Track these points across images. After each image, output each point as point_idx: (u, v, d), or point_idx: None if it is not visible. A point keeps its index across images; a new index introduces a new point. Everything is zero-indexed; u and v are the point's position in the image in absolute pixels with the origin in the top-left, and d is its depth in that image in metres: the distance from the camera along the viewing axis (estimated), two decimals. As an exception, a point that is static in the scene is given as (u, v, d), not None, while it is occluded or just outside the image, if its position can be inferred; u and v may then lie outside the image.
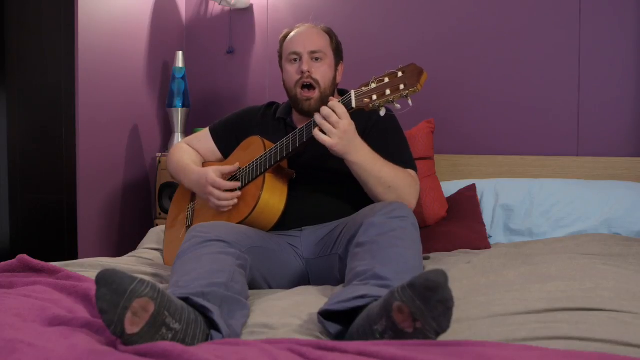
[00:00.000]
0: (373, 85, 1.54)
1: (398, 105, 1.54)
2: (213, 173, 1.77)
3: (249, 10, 2.94)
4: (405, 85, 1.49)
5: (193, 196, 1.98)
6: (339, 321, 1.19)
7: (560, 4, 2.50)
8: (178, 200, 2.05)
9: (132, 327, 1.04)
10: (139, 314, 1.04)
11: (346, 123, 1.56)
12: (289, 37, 1.90)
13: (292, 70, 1.84)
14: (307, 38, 1.84)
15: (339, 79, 1.93)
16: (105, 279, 1.04)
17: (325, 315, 1.20)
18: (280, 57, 1.93)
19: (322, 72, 1.82)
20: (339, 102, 1.59)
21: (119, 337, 1.05)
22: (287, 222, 1.74)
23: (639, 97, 2.43)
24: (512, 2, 2.57)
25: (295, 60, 1.84)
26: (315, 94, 1.82)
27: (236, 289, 1.32)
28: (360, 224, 1.46)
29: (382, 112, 1.54)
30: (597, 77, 2.47)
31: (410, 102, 1.52)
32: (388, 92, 1.51)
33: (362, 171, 1.64)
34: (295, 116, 1.92)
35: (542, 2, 2.53)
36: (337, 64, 1.90)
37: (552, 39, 2.52)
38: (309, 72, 1.80)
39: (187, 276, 1.31)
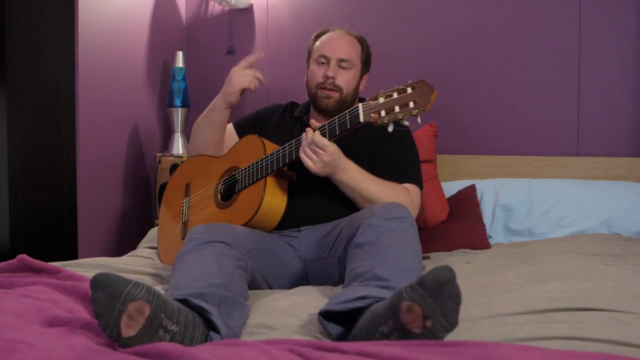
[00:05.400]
0: (381, 100, 1.54)
1: (406, 122, 1.54)
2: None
3: (249, 10, 2.94)
4: (415, 104, 1.49)
5: (187, 191, 1.98)
6: (340, 322, 1.19)
7: (561, 4, 2.50)
8: (170, 196, 2.04)
9: (128, 330, 1.04)
10: (135, 317, 1.04)
11: (327, 154, 1.60)
12: (322, 37, 1.93)
13: (317, 71, 1.88)
14: (339, 45, 1.87)
15: (361, 88, 1.97)
16: (100, 282, 1.04)
17: (326, 315, 1.20)
18: (309, 55, 1.96)
19: (346, 80, 1.86)
20: (327, 124, 1.63)
21: (116, 341, 1.05)
22: (286, 221, 1.74)
23: (639, 98, 2.43)
24: (513, 3, 2.57)
25: (322, 63, 1.87)
26: (335, 94, 1.86)
27: (235, 289, 1.32)
28: (358, 225, 1.46)
29: (390, 129, 1.55)
30: (597, 78, 2.47)
31: (419, 120, 1.52)
32: (397, 109, 1.52)
33: (347, 189, 1.69)
34: (313, 115, 1.93)
35: (542, 3, 2.53)
36: (362, 74, 1.94)
37: (552, 39, 2.52)
38: (333, 78, 1.84)
39: (186, 277, 1.31)
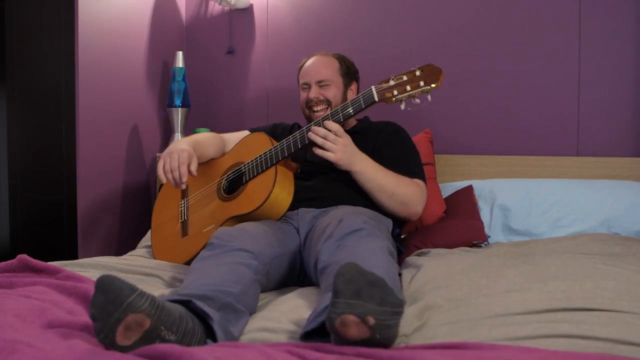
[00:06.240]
0: (392, 82, 1.69)
1: (417, 100, 1.69)
2: (189, 155, 1.79)
3: (249, 10, 2.94)
4: (425, 82, 1.66)
5: (184, 193, 2.00)
6: (324, 334, 1.15)
7: (560, 4, 2.50)
8: (165, 200, 2.07)
9: (123, 340, 1.01)
10: (133, 328, 1.02)
11: (345, 138, 1.73)
12: (302, 68, 2.15)
13: (304, 96, 2.10)
14: (314, 69, 2.09)
15: (351, 97, 2.10)
16: (103, 285, 1.02)
17: (308, 335, 1.17)
18: (298, 84, 2.17)
19: (332, 94, 2.06)
20: (338, 110, 1.76)
21: (109, 346, 1.02)
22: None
23: (639, 97, 2.43)
24: (512, 3, 2.57)
25: (305, 89, 2.10)
26: (326, 111, 2.02)
27: (245, 301, 1.31)
28: (318, 251, 1.48)
29: (403, 107, 1.70)
30: (597, 77, 2.47)
31: (429, 97, 1.69)
32: (409, 88, 1.67)
33: (365, 180, 1.79)
34: None
35: (542, 3, 2.53)
36: (347, 85, 2.12)
37: (552, 39, 2.52)
38: (317, 98, 2.04)
39: (199, 280, 1.30)
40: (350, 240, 1.43)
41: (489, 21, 2.60)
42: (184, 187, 1.76)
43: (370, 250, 1.39)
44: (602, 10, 2.46)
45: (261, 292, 1.54)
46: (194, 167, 1.77)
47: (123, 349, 1.02)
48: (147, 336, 1.03)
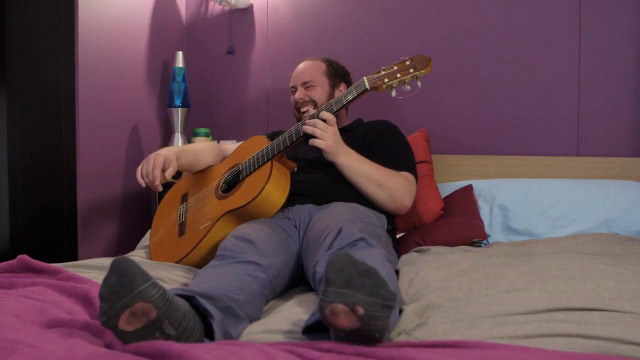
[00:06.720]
0: (383, 72, 1.80)
1: (408, 87, 1.78)
2: (165, 159, 1.86)
3: (249, 10, 2.94)
4: (414, 69, 1.77)
5: (184, 199, 2.02)
6: (325, 329, 1.16)
7: (560, 3, 2.50)
8: (166, 205, 2.10)
9: (126, 325, 1.02)
10: (138, 316, 1.02)
11: (335, 127, 1.81)
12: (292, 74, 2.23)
13: (292, 99, 2.18)
14: (299, 73, 2.19)
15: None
16: (119, 267, 1.02)
17: (309, 329, 1.17)
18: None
19: (318, 95, 2.13)
20: (324, 108, 1.85)
21: (109, 329, 1.03)
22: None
23: (639, 97, 2.43)
24: (512, 2, 2.57)
25: (293, 92, 2.19)
26: (312, 110, 2.09)
27: (247, 310, 1.31)
28: (316, 261, 1.46)
29: (394, 93, 1.79)
30: (597, 77, 2.47)
31: (419, 83, 1.80)
32: (399, 75, 1.78)
33: (351, 171, 1.84)
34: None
35: (541, 2, 2.53)
36: (335, 86, 2.18)
37: (552, 39, 2.52)
38: (302, 99, 2.12)
39: (205, 283, 1.31)
40: (349, 251, 1.42)
41: (489, 20, 2.59)
42: (159, 189, 1.83)
43: (369, 256, 1.38)
44: (602, 10, 2.45)
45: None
46: (169, 172, 1.84)
47: (122, 335, 1.02)
48: (149, 326, 1.03)
